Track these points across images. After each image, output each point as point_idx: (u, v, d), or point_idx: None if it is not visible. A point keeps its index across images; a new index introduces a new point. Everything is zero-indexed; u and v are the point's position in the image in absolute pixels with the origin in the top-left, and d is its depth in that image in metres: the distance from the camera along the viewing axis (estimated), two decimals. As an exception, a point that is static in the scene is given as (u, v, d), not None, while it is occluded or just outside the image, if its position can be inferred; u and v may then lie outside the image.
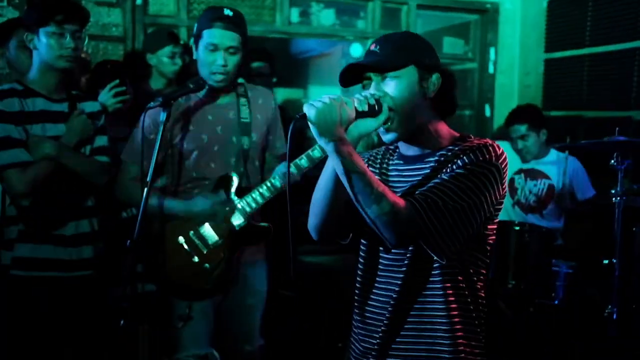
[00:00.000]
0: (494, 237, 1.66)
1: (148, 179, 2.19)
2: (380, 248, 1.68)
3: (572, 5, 4.50)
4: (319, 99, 1.49)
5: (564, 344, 3.21)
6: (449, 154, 1.62)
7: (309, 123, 1.47)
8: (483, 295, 1.66)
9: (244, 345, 2.64)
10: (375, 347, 1.65)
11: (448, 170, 1.56)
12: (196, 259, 2.49)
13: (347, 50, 4.62)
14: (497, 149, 1.59)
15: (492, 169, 1.56)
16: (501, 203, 1.63)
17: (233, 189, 2.51)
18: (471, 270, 1.63)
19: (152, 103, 2.30)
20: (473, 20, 4.95)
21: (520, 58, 4.96)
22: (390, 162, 1.74)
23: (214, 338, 2.59)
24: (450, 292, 1.60)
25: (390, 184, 1.68)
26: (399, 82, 1.59)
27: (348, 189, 1.50)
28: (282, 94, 6.23)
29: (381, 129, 1.60)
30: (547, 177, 3.79)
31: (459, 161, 1.56)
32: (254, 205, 2.50)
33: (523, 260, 3.25)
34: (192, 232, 2.50)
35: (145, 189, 2.17)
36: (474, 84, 5.00)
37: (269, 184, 2.50)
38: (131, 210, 2.91)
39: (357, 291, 1.75)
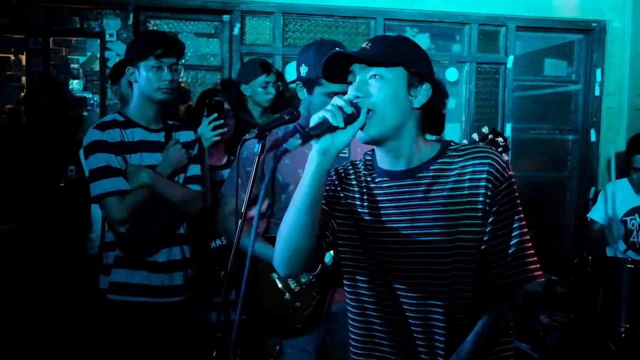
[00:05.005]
0: None
1: (242, 210, 2.18)
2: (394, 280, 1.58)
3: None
4: None
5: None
6: (444, 167, 1.53)
7: None
8: None
9: None
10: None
11: (477, 201, 1.49)
12: (288, 296, 2.43)
13: (439, 74, 4.50)
14: (501, 158, 1.53)
15: (515, 184, 1.54)
16: None
17: None
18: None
19: (247, 135, 2.27)
20: (577, 40, 4.70)
21: (630, 79, 4.64)
22: (371, 179, 1.61)
23: None
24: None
25: (380, 204, 1.57)
26: (384, 83, 1.48)
27: None
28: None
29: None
30: None
31: (481, 184, 1.49)
32: None
33: (638, 301, 2.97)
34: None
35: (240, 221, 2.16)
36: (578, 108, 4.73)
37: None
38: (221, 240, 2.95)
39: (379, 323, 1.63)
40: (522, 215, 1.53)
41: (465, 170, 1.51)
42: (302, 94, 2.43)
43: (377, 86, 1.48)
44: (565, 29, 4.61)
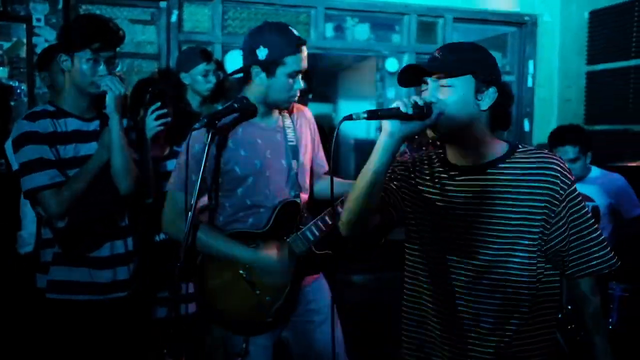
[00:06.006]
0: None
1: (192, 201, 2.08)
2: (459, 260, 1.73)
3: (616, 16, 4.35)
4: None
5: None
6: (512, 166, 1.69)
7: None
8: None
9: None
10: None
11: (551, 203, 1.66)
12: (258, 291, 2.31)
13: (379, 64, 4.52)
14: (564, 163, 1.70)
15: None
16: None
17: (297, 215, 2.35)
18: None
19: (196, 124, 2.12)
20: (510, 33, 4.83)
21: (560, 71, 4.82)
22: (443, 170, 1.78)
23: None
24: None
25: (449, 195, 1.74)
26: (453, 90, 1.63)
27: None
28: (313, 108, 6.14)
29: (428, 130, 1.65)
30: (589, 199, 3.62)
31: (546, 186, 1.65)
32: (317, 233, 2.33)
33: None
34: None
35: (190, 213, 2.05)
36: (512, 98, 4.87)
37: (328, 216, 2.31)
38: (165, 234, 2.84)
39: (430, 306, 1.79)
40: (592, 223, 1.73)
41: (532, 172, 1.67)
42: (260, 78, 2.29)
43: (447, 93, 1.63)
44: (499, 21, 4.74)
